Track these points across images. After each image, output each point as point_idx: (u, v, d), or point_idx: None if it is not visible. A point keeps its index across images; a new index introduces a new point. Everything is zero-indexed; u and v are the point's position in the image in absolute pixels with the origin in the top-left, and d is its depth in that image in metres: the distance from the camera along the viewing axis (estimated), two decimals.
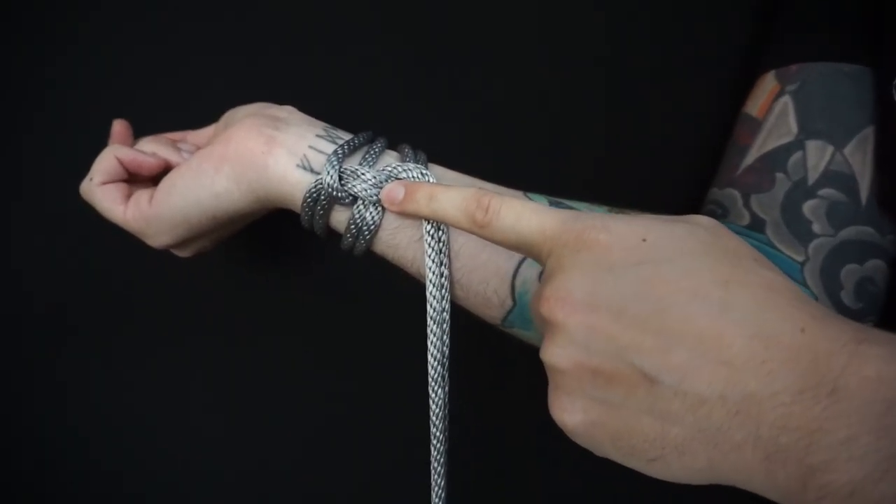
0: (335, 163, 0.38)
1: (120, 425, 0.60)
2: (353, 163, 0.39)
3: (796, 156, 0.43)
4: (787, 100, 0.45)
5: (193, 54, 0.54)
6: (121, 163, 0.43)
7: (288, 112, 0.42)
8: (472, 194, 0.33)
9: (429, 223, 0.38)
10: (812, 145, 0.43)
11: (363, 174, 0.38)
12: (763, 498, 0.26)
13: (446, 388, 0.40)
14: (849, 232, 0.42)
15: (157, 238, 0.42)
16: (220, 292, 0.59)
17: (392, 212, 0.38)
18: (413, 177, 0.38)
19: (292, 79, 0.55)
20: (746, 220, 0.45)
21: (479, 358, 0.57)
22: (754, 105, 0.47)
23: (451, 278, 0.40)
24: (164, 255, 0.45)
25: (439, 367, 0.40)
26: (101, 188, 0.43)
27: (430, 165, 0.41)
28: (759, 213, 0.44)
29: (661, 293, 0.26)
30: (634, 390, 0.26)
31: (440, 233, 0.38)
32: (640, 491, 0.59)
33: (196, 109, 0.48)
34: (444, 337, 0.40)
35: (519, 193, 0.41)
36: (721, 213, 0.47)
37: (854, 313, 0.42)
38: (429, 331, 0.39)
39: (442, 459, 0.41)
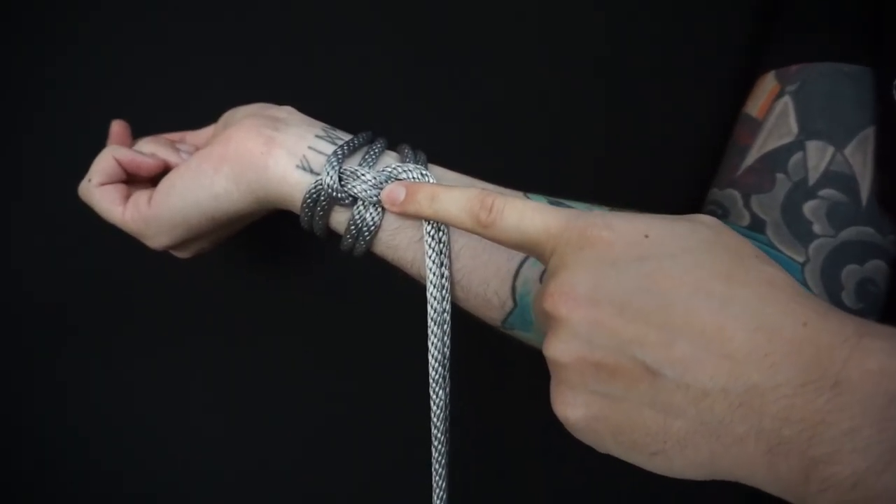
0: (335, 163, 0.38)
1: (120, 425, 0.60)
2: (352, 163, 0.39)
3: (797, 156, 0.43)
4: (787, 100, 0.45)
5: (193, 54, 0.54)
6: (119, 164, 0.43)
7: (287, 112, 0.42)
8: (475, 194, 0.33)
9: (429, 224, 0.38)
10: (812, 146, 0.43)
11: (363, 175, 0.38)
12: (763, 495, 0.26)
13: (447, 389, 0.40)
14: (849, 232, 0.42)
15: (156, 239, 0.42)
16: (220, 292, 0.59)
17: (393, 213, 0.38)
18: (413, 177, 0.38)
19: (292, 79, 0.55)
20: (747, 220, 0.45)
21: (479, 359, 0.57)
22: (754, 105, 0.47)
23: (451, 279, 0.40)
24: (163, 255, 0.45)
25: (440, 368, 0.40)
26: (99, 189, 0.43)
27: (430, 166, 0.41)
28: (760, 214, 0.44)
29: (663, 288, 0.27)
30: (637, 384, 0.27)
31: (440, 234, 0.38)
32: (642, 492, 0.59)
33: (195, 110, 0.48)
34: (445, 338, 0.40)
35: (519, 194, 0.41)
36: (721, 214, 0.47)
37: (855, 314, 0.42)
38: (429, 331, 0.39)
39: (443, 460, 0.41)
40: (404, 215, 0.38)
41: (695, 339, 0.26)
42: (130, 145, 0.46)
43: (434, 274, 0.39)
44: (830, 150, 0.43)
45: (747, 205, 0.45)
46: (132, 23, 0.54)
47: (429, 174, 0.38)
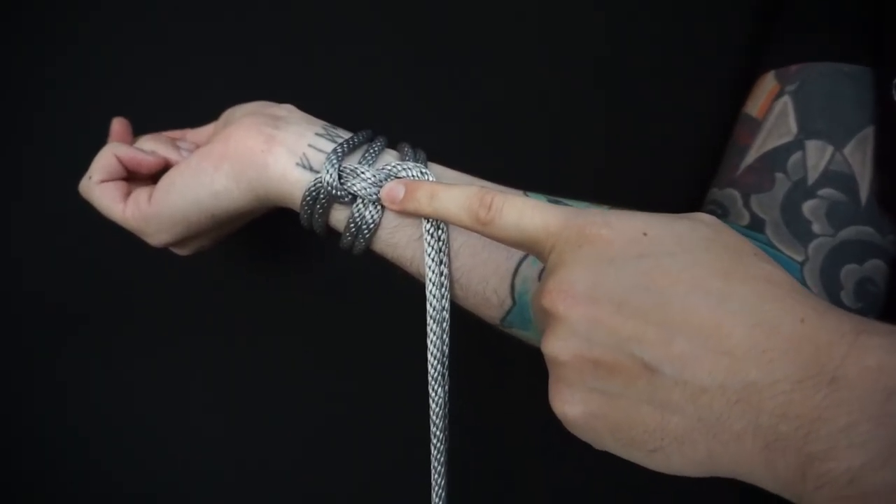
0: (334, 161, 0.38)
1: (120, 425, 0.60)
2: (352, 161, 0.39)
3: (796, 156, 0.43)
4: (786, 100, 0.45)
5: (193, 54, 0.54)
6: (120, 161, 0.43)
7: (287, 111, 0.42)
8: (474, 192, 0.33)
9: (428, 222, 0.38)
10: (812, 145, 0.43)
11: (363, 173, 0.38)
12: (761, 493, 0.26)
13: (446, 388, 0.40)
14: (848, 232, 0.42)
15: (157, 236, 0.42)
16: (220, 292, 0.59)
17: (392, 211, 0.38)
18: (413, 175, 0.38)
19: (292, 78, 0.55)
20: (746, 220, 0.45)
21: (479, 357, 0.57)
22: (754, 105, 0.47)
23: (450, 277, 0.40)
24: (164, 254, 0.45)
25: (439, 367, 0.40)
26: (100, 186, 0.43)
27: (430, 164, 0.41)
28: (759, 213, 0.44)
29: (661, 285, 0.27)
30: (635, 381, 0.27)
31: (440, 231, 0.38)
32: (641, 491, 0.59)
33: (196, 108, 0.48)
34: (444, 336, 0.40)
35: (518, 192, 0.41)
36: (721, 214, 0.47)
37: (854, 313, 0.42)
38: (428, 330, 0.39)
39: (442, 459, 0.41)
40: (404, 213, 0.38)
41: (693, 336, 0.26)
42: (131, 143, 0.46)
43: (433, 272, 0.39)
44: (830, 149, 0.43)
45: (747, 204, 0.45)
46: (132, 23, 0.54)
47: (428, 172, 0.38)
